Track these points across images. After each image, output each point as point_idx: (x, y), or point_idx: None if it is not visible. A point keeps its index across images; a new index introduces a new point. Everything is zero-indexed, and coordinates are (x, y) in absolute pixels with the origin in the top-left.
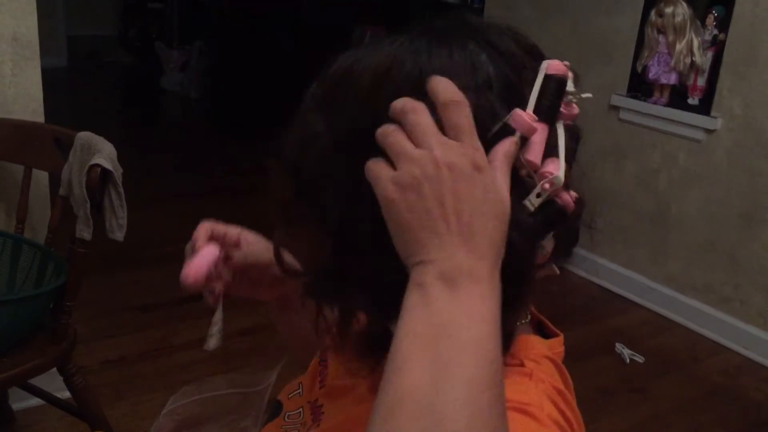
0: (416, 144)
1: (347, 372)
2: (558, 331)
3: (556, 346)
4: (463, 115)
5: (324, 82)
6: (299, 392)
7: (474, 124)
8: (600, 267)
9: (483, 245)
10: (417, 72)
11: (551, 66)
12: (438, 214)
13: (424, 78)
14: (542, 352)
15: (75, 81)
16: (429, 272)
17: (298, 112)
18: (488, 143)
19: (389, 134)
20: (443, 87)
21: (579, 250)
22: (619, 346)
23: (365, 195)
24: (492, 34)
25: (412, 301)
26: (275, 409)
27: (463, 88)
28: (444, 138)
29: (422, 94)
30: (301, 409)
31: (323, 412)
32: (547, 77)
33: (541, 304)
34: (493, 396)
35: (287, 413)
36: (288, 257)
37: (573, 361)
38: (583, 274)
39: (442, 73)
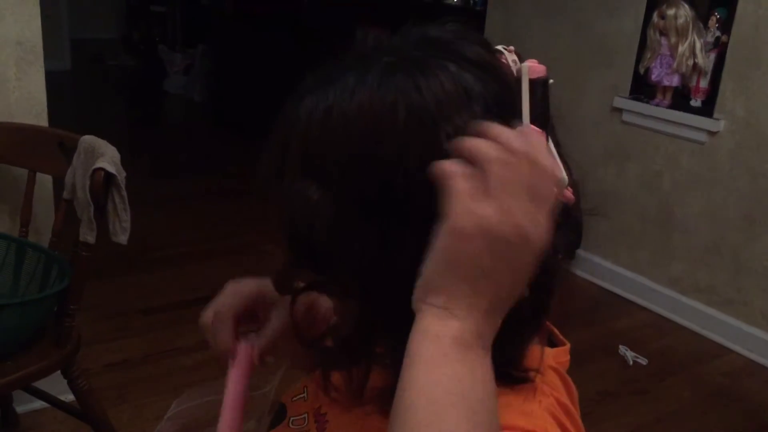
0: (495, 196)
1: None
2: (565, 340)
3: (562, 355)
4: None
5: (299, 138)
6: (304, 396)
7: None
8: (603, 269)
9: (501, 315)
10: (416, 115)
11: (532, 69)
12: (487, 273)
13: (424, 118)
14: (547, 362)
15: (79, 84)
16: (450, 328)
17: (271, 173)
18: None
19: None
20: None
21: (582, 252)
22: (622, 349)
23: (393, 254)
24: (461, 46)
25: (427, 352)
26: (279, 413)
27: (470, 119)
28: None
29: (429, 133)
30: (305, 415)
31: (327, 421)
32: (533, 82)
33: None
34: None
35: (291, 418)
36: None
37: (575, 363)
38: (586, 276)
39: (441, 108)
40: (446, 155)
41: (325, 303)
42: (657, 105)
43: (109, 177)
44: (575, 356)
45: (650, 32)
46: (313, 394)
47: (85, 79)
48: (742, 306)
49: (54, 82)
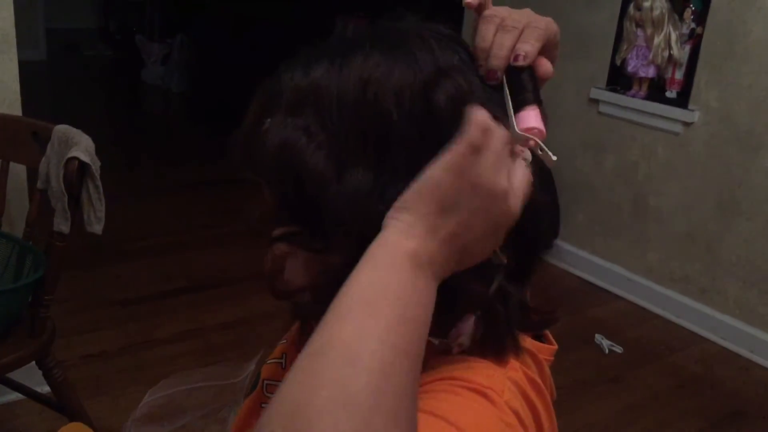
0: (497, 158)
1: None
2: (554, 342)
3: (546, 351)
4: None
5: (289, 87)
6: (281, 362)
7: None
8: (579, 258)
9: (466, 260)
10: (423, 74)
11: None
12: (459, 210)
13: (431, 80)
14: (528, 348)
15: (54, 74)
16: (407, 243)
17: (255, 121)
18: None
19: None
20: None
21: (559, 242)
22: (598, 337)
23: (381, 200)
24: (425, 28)
25: (379, 256)
26: (256, 382)
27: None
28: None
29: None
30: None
31: None
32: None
33: None
34: (410, 365)
35: (265, 382)
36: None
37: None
38: (562, 265)
39: (442, 68)
40: (441, 100)
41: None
42: (633, 96)
43: (83, 166)
44: None
45: (627, 24)
46: (291, 362)
47: (60, 69)
48: (716, 295)
49: (29, 71)
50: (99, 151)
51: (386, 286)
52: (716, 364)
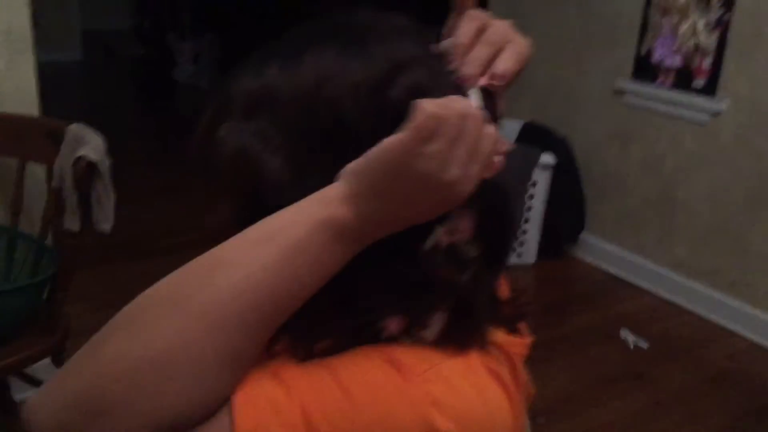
0: (444, 141)
1: None
2: (528, 335)
3: (518, 345)
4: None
5: (241, 90)
6: None
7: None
8: (605, 252)
9: (381, 223)
10: (380, 69)
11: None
12: (397, 197)
13: (388, 74)
14: (496, 341)
15: (89, 74)
16: (327, 211)
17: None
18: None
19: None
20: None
21: (585, 236)
22: (623, 332)
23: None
24: (382, 21)
25: (296, 210)
26: None
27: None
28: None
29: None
30: None
31: None
32: None
33: (546, 290)
34: (264, 302)
35: None
36: None
37: (576, 347)
38: (589, 259)
39: (400, 61)
40: (398, 94)
41: None
42: (659, 86)
43: (92, 165)
44: (576, 340)
45: (652, 12)
46: None
47: (96, 70)
48: (746, 288)
49: (65, 72)
50: (129, 150)
51: (287, 228)
52: (745, 360)
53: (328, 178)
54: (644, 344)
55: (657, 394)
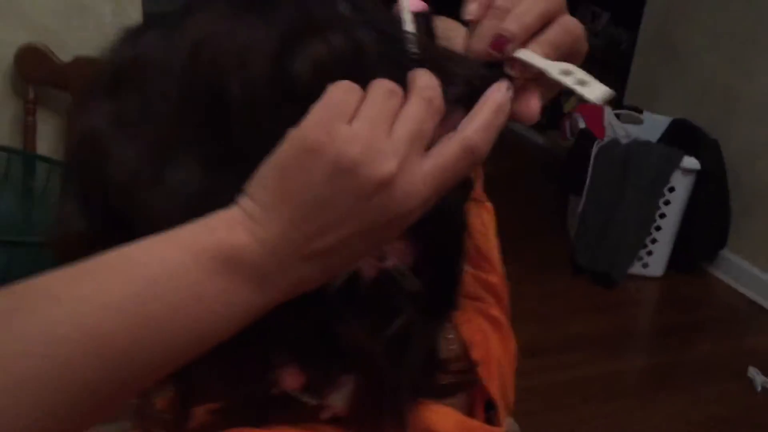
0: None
1: None
2: (502, 422)
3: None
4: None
5: (114, 92)
6: None
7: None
8: (748, 274)
9: (328, 268)
10: (282, 30)
11: (412, 3)
12: (324, 210)
13: (293, 37)
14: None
15: None
16: (220, 246)
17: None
18: None
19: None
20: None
21: (725, 253)
22: (752, 371)
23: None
24: None
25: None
26: None
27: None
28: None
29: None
30: None
31: None
32: (415, 16)
33: (671, 308)
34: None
35: None
36: None
37: (695, 382)
38: (726, 280)
39: (313, 21)
40: (300, 67)
41: None
42: None
43: None
44: (695, 374)
45: None
46: None
47: None
48: None
49: None
50: None
51: (151, 254)
52: None
53: (196, 173)
54: None
55: None
